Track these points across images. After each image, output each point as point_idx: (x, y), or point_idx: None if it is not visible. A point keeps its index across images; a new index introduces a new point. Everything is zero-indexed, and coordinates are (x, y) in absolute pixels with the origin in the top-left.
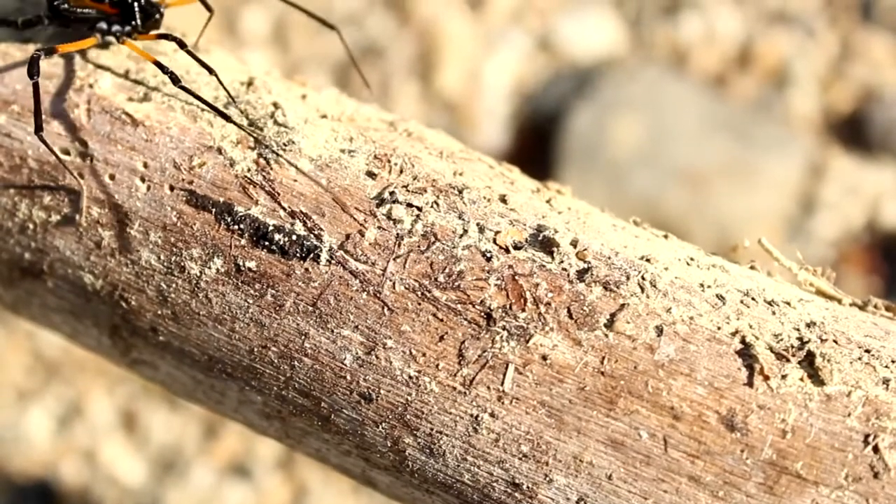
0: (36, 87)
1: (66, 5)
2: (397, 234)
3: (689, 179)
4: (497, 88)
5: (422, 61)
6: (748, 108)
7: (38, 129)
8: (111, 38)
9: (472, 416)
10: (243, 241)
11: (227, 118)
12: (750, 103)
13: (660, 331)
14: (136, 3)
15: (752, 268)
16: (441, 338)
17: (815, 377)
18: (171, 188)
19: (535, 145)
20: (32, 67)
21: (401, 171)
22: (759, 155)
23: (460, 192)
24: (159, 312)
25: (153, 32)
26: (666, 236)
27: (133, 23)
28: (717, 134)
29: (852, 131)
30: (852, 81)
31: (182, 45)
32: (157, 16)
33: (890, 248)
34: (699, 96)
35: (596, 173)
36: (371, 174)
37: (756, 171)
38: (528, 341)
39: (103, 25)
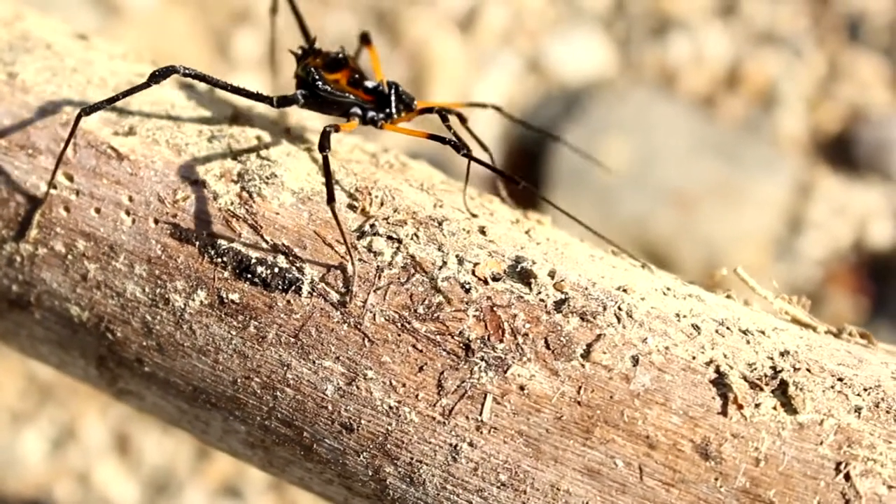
0: (326, 160)
1: (327, 87)
2: (378, 266)
3: (677, 200)
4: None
5: (413, 83)
6: (736, 129)
7: (331, 199)
8: (370, 124)
9: (451, 445)
10: (226, 274)
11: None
12: (738, 124)
13: (635, 361)
14: (392, 94)
15: (727, 297)
16: (420, 368)
17: (789, 406)
18: (156, 221)
19: (525, 167)
20: (324, 141)
21: (381, 204)
22: (747, 175)
23: (440, 223)
24: (144, 344)
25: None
26: (644, 266)
27: (388, 110)
28: (705, 155)
29: (839, 151)
30: (839, 102)
31: (459, 147)
32: (413, 105)
33: (877, 268)
34: (688, 117)
35: (585, 195)
36: (352, 207)
37: (744, 191)
38: (506, 372)
39: (358, 111)
